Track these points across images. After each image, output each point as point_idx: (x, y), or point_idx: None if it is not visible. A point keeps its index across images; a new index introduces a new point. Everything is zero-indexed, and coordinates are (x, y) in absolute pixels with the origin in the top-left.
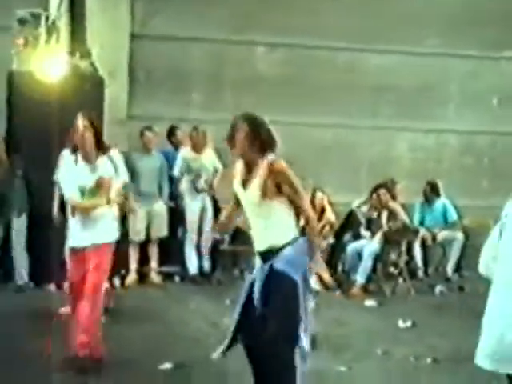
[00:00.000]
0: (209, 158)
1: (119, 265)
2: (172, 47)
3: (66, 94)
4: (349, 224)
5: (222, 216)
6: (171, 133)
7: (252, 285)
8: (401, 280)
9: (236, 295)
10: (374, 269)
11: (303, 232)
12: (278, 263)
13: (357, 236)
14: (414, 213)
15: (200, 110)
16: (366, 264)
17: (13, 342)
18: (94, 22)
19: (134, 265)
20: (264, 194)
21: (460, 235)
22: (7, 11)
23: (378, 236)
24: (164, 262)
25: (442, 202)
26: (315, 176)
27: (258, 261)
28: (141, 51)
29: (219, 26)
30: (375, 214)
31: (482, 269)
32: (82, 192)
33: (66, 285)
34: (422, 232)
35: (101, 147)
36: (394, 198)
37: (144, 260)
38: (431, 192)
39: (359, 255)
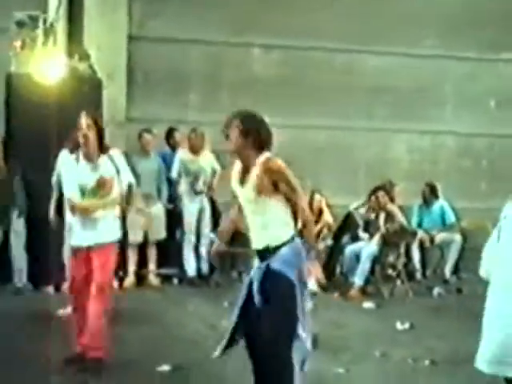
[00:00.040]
0: (207, 160)
1: (117, 267)
2: (170, 49)
3: (65, 96)
4: (347, 226)
5: (223, 225)
6: (169, 135)
7: (250, 285)
8: (399, 282)
9: (234, 297)
10: (372, 271)
11: (301, 235)
12: (275, 263)
13: (355, 238)
14: (412, 215)
15: (198, 111)
16: (364, 266)
17: (12, 344)
18: (92, 24)
19: (132, 267)
20: (260, 191)
21: (458, 237)
22: (5, 13)
23: (376, 238)
24: (162, 264)
25: (440, 204)
26: (313, 178)
27: (255, 261)
28: (139, 53)
29: (217, 28)
30: (373, 216)
31: (482, 272)
32: (83, 191)
33: (64, 286)
34: (420, 234)
35: (102, 147)
36: (392, 200)
37: (142, 262)
38: (430, 194)
39: (357, 257)
